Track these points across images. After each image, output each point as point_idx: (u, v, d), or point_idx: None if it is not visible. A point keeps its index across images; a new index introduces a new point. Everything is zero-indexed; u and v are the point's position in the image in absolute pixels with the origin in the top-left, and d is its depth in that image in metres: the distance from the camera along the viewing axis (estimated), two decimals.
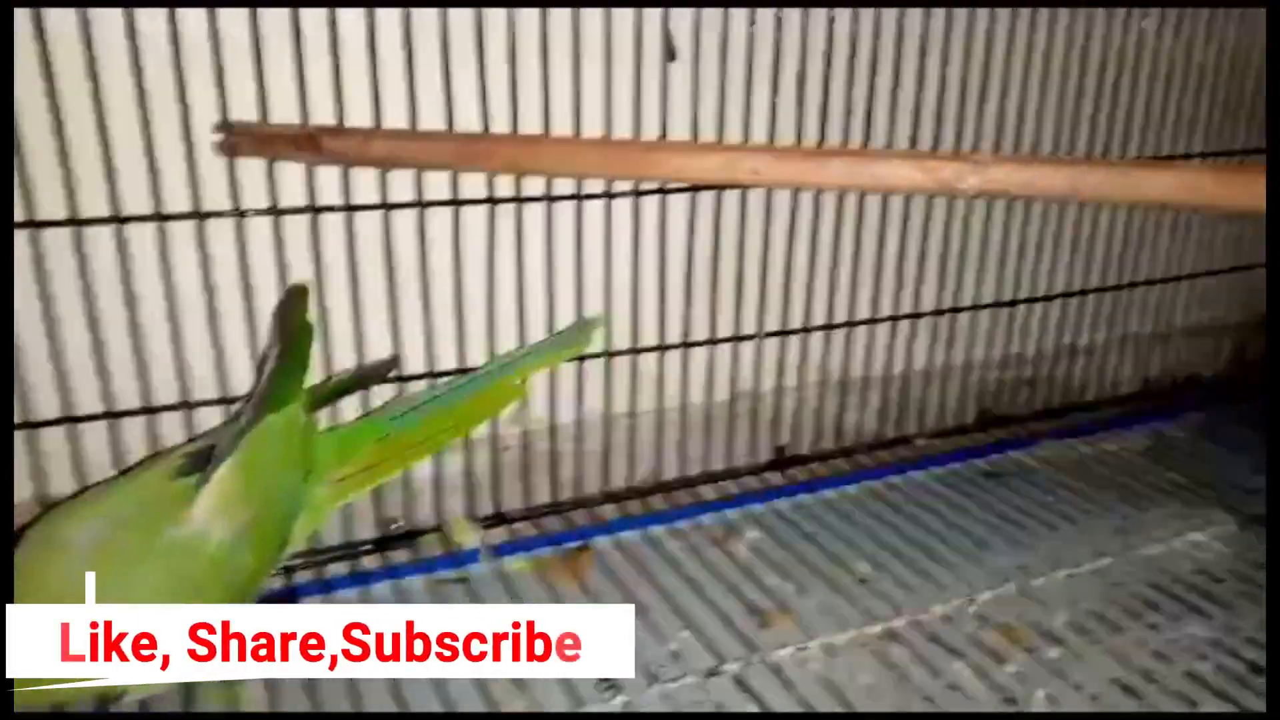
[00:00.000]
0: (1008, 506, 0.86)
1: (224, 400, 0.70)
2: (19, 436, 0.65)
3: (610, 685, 0.62)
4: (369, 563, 0.76)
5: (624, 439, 0.86)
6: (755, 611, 0.70)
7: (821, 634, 0.67)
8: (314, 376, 0.66)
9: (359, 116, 0.67)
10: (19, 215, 0.61)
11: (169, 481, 0.55)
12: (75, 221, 0.63)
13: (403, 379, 0.75)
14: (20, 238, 0.62)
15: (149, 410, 0.68)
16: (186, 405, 0.69)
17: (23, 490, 0.67)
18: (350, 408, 0.73)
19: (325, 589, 0.72)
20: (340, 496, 0.65)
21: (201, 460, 0.57)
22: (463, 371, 0.75)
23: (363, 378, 0.71)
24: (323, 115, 0.66)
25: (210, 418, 0.70)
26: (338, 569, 0.75)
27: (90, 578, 0.48)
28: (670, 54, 0.76)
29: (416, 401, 0.69)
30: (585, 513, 0.84)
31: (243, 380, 0.70)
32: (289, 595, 0.72)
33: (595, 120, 0.74)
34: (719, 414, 0.89)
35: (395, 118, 0.68)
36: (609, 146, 0.68)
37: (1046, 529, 0.82)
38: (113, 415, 0.67)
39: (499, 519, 0.82)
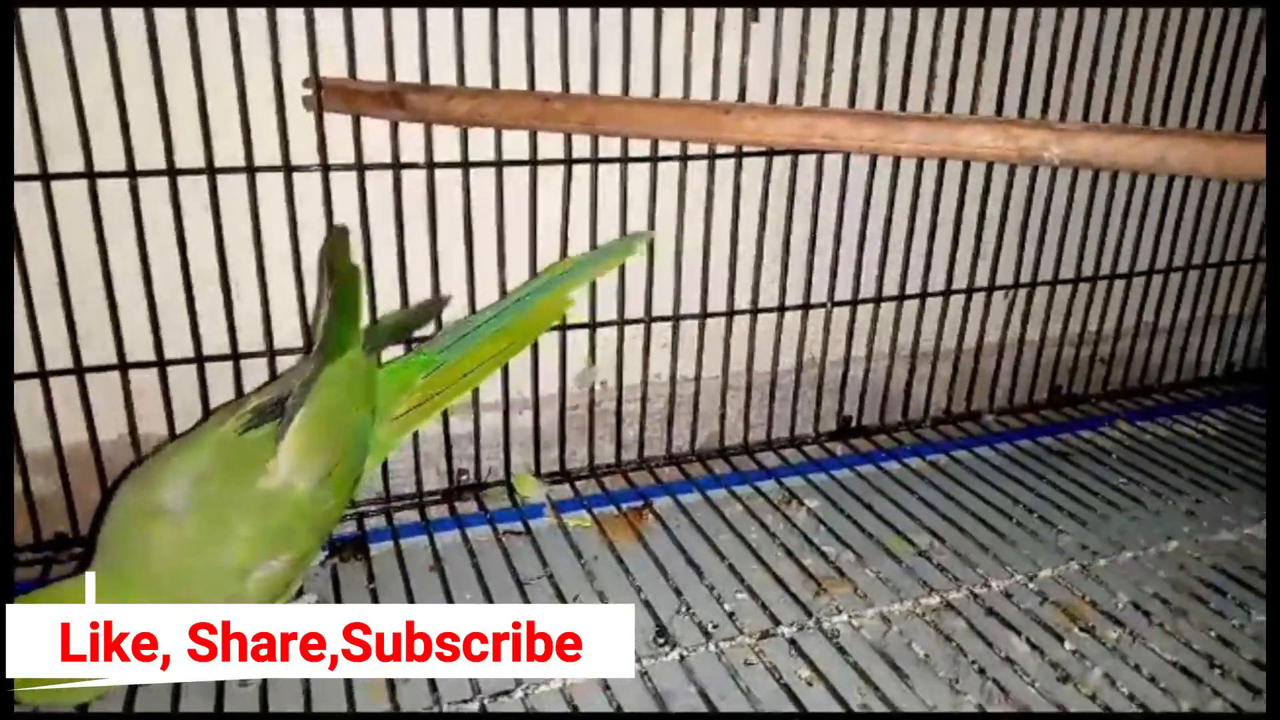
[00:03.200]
0: (1075, 486, 0.85)
1: (309, 349, 0.72)
2: (114, 376, 0.69)
3: (666, 640, 0.64)
4: (436, 512, 0.79)
5: (688, 403, 0.86)
6: (812, 577, 0.71)
7: (878, 603, 0.68)
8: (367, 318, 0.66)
9: (443, 75, 0.69)
10: (122, 166, 0.64)
11: (239, 436, 0.57)
12: (171, 171, 0.65)
13: None
14: (114, 187, 0.65)
15: (235, 356, 0.71)
16: (271, 352, 0.72)
17: (118, 427, 0.71)
18: (398, 346, 0.74)
19: (394, 535, 0.74)
20: (401, 432, 0.65)
21: (269, 413, 0.58)
22: None
23: (413, 318, 0.71)
24: (408, 73, 0.68)
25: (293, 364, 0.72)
26: (407, 516, 0.78)
27: (91, 578, 0.50)
28: (754, 14, 0.75)
29: (464, 330, 0.68)
30: (647, 473, 0.85)
31: None
32: (360, 540, 0.75)
33: (674, 81, 0.74)
34: (785, 382, 0.89)
35: (478, 77, 0.69)
36: (685, 108, 0.68)
37: (1114, 510, 0.81)
38: (201, 360, 0.70)
39: (564, 476, 0.84)
